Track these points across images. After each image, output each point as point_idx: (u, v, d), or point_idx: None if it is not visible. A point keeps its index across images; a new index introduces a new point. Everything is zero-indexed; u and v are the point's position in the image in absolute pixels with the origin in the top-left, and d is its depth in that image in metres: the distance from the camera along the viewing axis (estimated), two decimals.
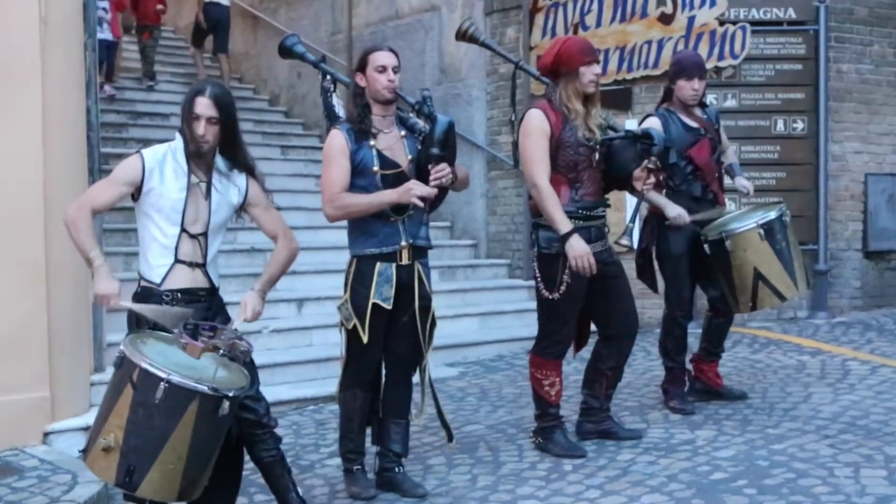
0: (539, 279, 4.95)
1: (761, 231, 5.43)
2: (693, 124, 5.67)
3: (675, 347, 5.74)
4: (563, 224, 4.80)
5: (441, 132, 4.43)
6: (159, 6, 12.82)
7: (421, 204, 4.37)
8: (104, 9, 11.27)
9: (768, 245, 5.43)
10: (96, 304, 3.94)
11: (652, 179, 4.89)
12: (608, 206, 5.08)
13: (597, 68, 4.90)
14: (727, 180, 5.92)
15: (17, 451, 5.35)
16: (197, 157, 3.99)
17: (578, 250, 4.78)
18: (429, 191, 4.35)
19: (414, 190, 4.35)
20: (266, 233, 4.29)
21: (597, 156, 4.92)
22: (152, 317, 3.83)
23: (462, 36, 5.37)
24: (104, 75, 11.31)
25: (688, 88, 5.63)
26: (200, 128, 3.95)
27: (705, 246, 5.53)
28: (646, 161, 4.85)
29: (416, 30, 10.59)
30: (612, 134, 4.99)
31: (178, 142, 4.02)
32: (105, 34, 11.20)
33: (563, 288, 4.86)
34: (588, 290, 4.96)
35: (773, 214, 5.50)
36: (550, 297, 4.91)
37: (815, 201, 8.51)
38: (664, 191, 5.57)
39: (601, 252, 4.95)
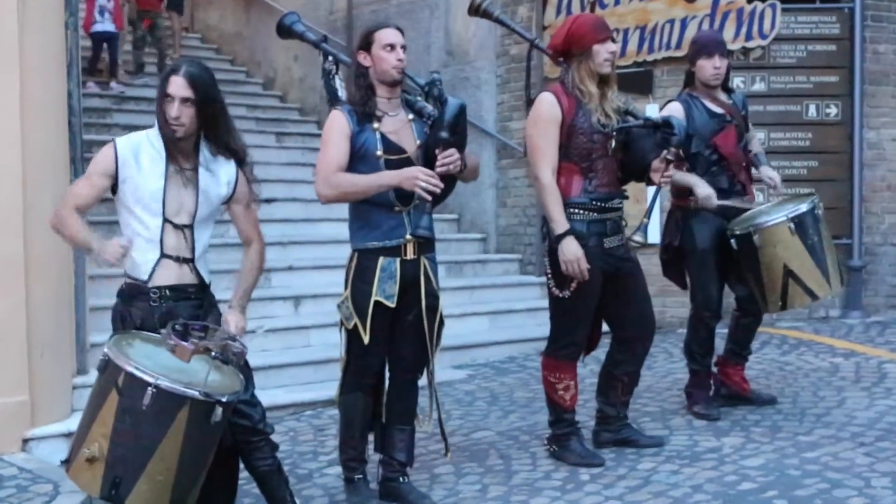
0: (549, 276, 4.94)
1: (791, 225, 5.41)
2: (718, 110, 5.65)
3: (701, 350, 5.72)
4: (560, 224, 4.80)
5: (452, 115, 4.39)
6: None
7: (428, 197, 4.33)
8: None
9: (799, 240, 5.41)
10: (110, 261, 3.85)
11: (671, 172, 4.86)
12: (626, 197, 5.06)
13: (612, 46, 4.87)
14: (753, 171, 5.89)
15: None
16: (175, 143, 3.96)
17: (569, 254, 4.77)
18: (435, 185, 4.28)
19: (419, 181, 4.28)
20: (241, 233, 4.29)
21: (613, 143, 4.89)
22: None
23: (475, 11, 5.33)
24: (107, 71, 11.17)
25: (709, 67, 5.61)
26: (174, 109, 3.89)
27: (732, 241, 5.51)
28: (664, 152, 4.83)
29: (420, 8, 10.56)
30: (630, 120, 4.96)
31: (157, 127, 4.00)
32: (106, 25, 11.07)
33: (573, 285, 4.85)
34: (602, 289, 4.96)
35: (804, 207, 5.47)
36: (560, 294, 4.90)
37: (850, 192, 8.49)
38: None
39: (617, 248, 4.93)
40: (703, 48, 5.64)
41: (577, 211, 4.87)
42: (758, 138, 6.09)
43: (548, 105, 4.87)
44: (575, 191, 4.88)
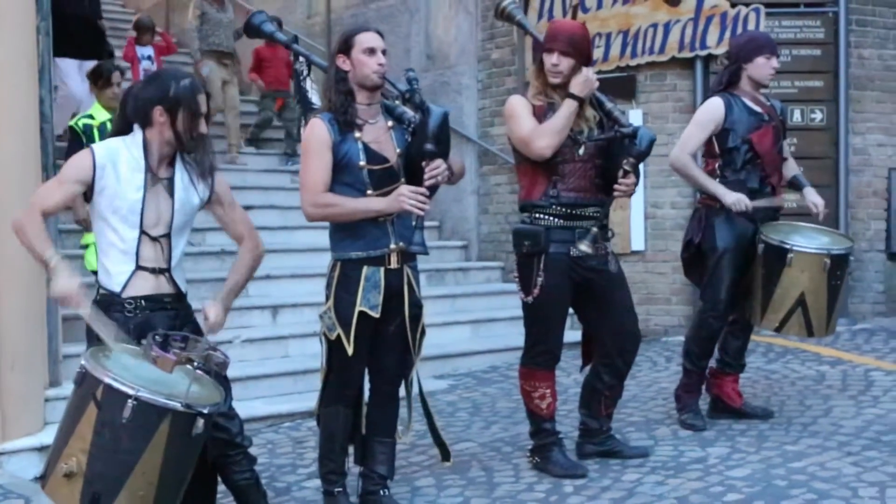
0: (518, 281, 4.98)
1: (828, 261, 5.47)
2: (757, 109, 5.70)
3: (700, 350, 5.75)
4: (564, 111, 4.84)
5: (436, 125, 4.39)
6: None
7: (421, 213, 4.32)
8: (149, 58, 10.66)
9: (826, 278, 5.48)
10: (57, 305, 3.93)
11: (630, 182, 4.83)
12: (602, 205, 4.97)
13: (554, 58, 4.87)
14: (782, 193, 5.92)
15: None
16: (166, 151, 3.97)
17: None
18: (423, 200, 4.30)
19: (404, 199, 4.30)
20: (231, 234, 4.28)
21: (581, 150, 4.90)
22: (109, 336, 3.78)
23: (500, 14, 5.33)
24: None
25: (767, 67, 5.67)
26: (204, 126, 3.97)
27: (760, 246, 5.55)
28: (624, 162, 4.79)
29: (400, 12, 10.59)
30: (613, 129, 4.93)
31: (136, 135, 3.98)
32: None
33: (536, 291, 4.88)
34: (578, 301, 5.00)
35: (843, 250, 5.59)
36: (526, 299, 4.94)
37: (835, 198, 8.52)
38: (717, 181, 5.63)
39: (588, 257, 4.89)
40: (764, 47, 5.69)
41: (539, 215, 4.91)
42: (793, 160, 6.08)
43: (520, 98, 4.99)
44: (537, 194, 4.92)
